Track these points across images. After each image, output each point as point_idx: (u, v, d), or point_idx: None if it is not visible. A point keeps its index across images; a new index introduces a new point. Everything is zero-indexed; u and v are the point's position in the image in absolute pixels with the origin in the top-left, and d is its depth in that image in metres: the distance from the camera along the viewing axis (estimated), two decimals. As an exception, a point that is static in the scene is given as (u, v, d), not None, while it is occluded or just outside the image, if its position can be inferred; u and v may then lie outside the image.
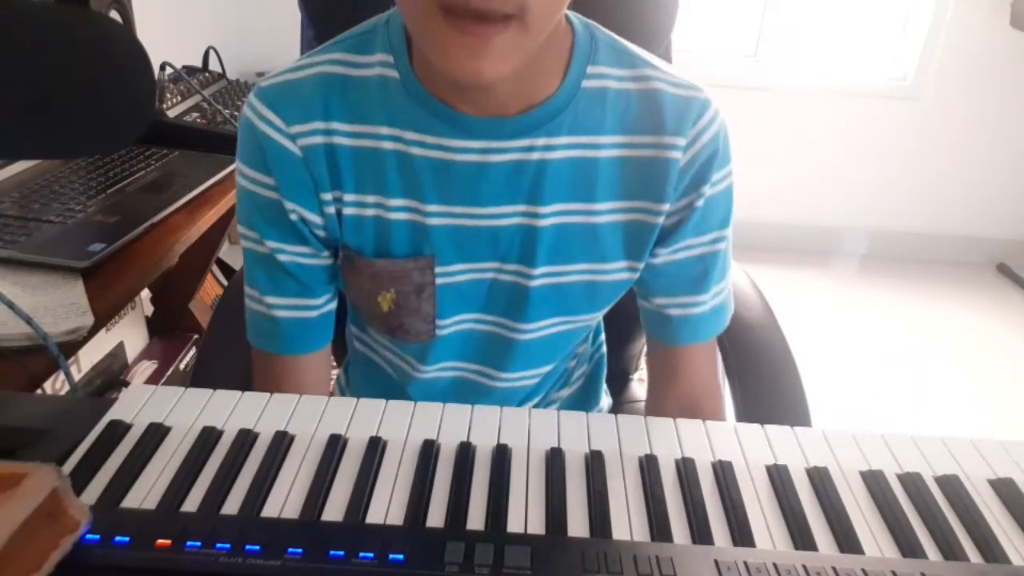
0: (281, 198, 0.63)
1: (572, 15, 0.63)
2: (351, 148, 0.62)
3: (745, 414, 0.79)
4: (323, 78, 0.62)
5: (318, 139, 0.62)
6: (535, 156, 0.62)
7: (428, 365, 0.75)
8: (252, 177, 0.64)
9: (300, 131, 0.61)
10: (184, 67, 1.50)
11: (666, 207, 0.65)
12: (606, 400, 0.94)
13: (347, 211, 0.64)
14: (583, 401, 0.89)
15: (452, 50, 0.50)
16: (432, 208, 0.64)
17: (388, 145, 0.62)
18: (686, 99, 0.64)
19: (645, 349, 1.03)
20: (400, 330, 0.70)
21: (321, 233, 0.66)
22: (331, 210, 0.64)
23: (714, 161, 0.65)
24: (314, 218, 0.64)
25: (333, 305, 0.72)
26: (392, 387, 0.81)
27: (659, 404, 0.76)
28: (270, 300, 0.68)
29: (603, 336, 0.93)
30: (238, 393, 0.62)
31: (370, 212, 0.64)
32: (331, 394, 0.73)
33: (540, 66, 0.60)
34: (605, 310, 0.75)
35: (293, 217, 0.64)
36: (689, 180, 0.65)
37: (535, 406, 0.82)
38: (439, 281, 0.67)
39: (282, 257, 0.66)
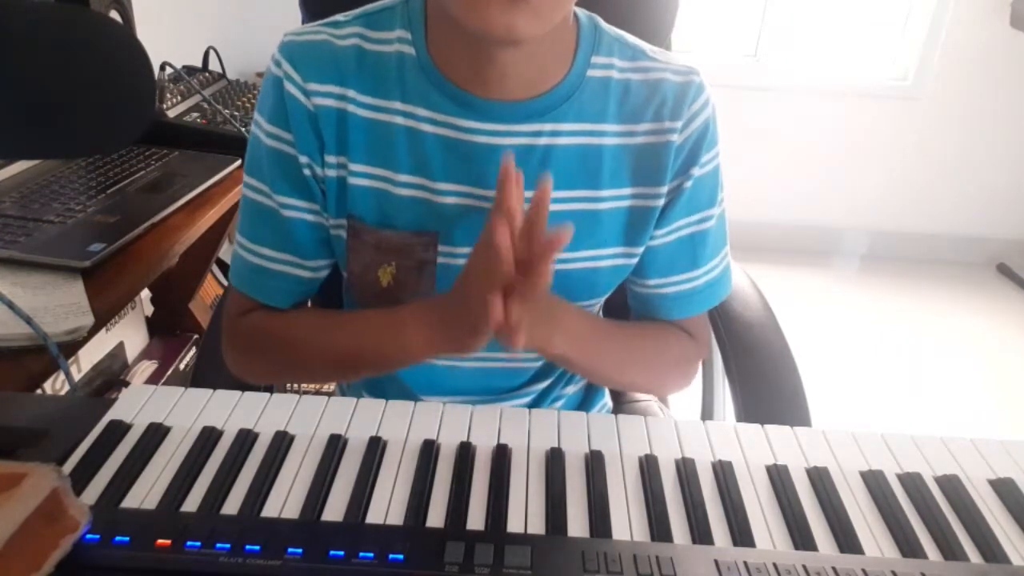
0: (297, 153, 0.65)
1: (578, 10, 0.66)
2: (364, 119, 0.64)
3: (745, 414, 0.79)
4: (348, 48, 0.64)
5: (331, 102, 0.64)
6: (542, 141, 0.65)
7: None
8: (271, 132, 0.66)
9: (315, 89, 0.63)
10: (184, 67, 1.50)
11: (664, 189, 0.68)
12: (607, 399, 0.94)
13: (353, 180, 0.66)
14: (588, 398, 0.89)
15: (485, 6, 0.52)
16: (442, 186, 0.65)
17: (400, 120, 0.64)
18: (684, 84, 0.67)
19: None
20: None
21: (323, 187, 0.68)
22: (333, 173, 0.66)
23: (703, 142, 0.67)
24: (321, 175, 0.67)
25: (323, 273, 0.73)
26: (392, 381, 0.81)
27: (652, 325, 0.78)
28: (265, 252, 0.69)
29: None
30: (238, 393, 0.62)
31: (376, 184, 0.66)
32: (332, 394, 0.73)
33: (549, 54, 0.63)
34: (603, 298, 0.76)
35: (307, 172, 0.66)
36: (682, 161, 0.68)
37: (542, 398, 0.83)
38: (440, 260, 0.68)
39: (288, 213, 0.67)
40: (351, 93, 0.64)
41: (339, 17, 0.66)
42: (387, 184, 0.66)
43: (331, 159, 0.65)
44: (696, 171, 0.68)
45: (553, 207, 0.66)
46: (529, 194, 0.66)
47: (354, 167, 0.66)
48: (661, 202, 0.68)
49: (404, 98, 0.64)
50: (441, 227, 0.67)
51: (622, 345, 0.74)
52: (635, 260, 0.73)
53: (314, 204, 0.67)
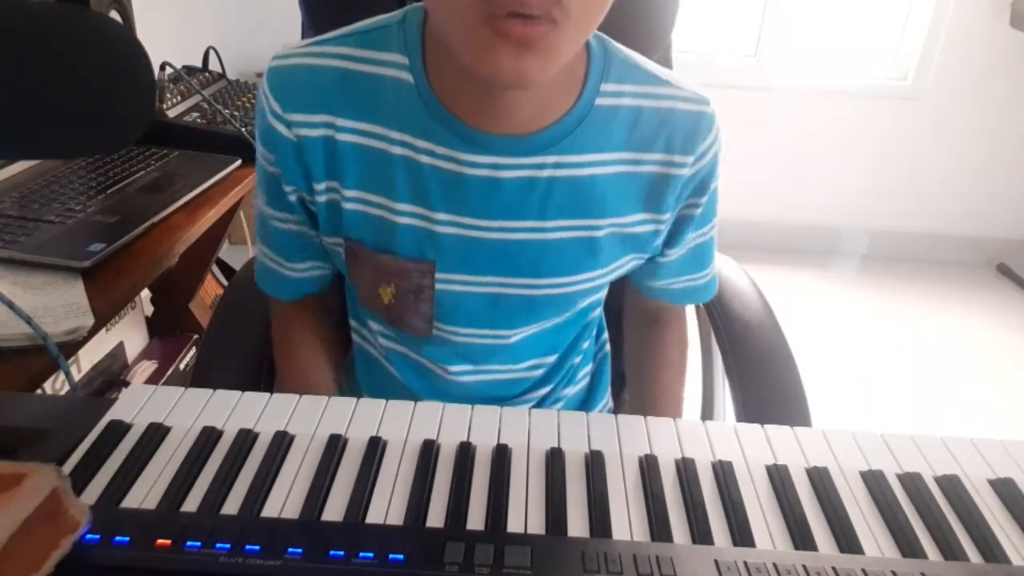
0: (282, 180, 0.66)
1: None
2: (357, 145, 0.63)
3: (745, 414, 0.79)
4: (333, 71, 0.62)
5: (318, 132, 0.62)
6: (545, 173, 0.63)
7: (427, 358, 0.75)
8: (262, 153, 0.67)
9: (297, 120, 0.62)
10: (184, 67, 1.50)
11: (667, 216, 0.68)
12: (608, 400, 0.94)
13: (348, 206, 0.65)
14: (589, 398, 0.89)
15: (495, 54, 0.49)
16: (441, 216, 0.64)
17: (397, 150, 0.62)
18: (696, 115, 0.65)
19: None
20: (400, 322, 0.72)
21: (313, 210, 0.68)
22: (323, 199, 0.65)
23: (714, 171, 0.69)
24: (310, 199, 0.67)
25: (313, 273, 0.75)
26: (393, 382, 0.81)
27: (650, 345, 0.85)
28: (265, 251, 0.74)
29: (607, 334, 0.94)
30: (238, 393, 0.62)
31: (375, 211, 0.65)
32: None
33: (557, 83, 0.60)
34: (599, 295, 0.80)
35: (292, 198, 0.67)
36: (692, 190, 0.68)
37: (543, 402, 0.83)
38: (439, 287, 0.67)
39: (278, 225, 0.70)
40: (339, 121, 0.62)
41: (329, 35, 0.64)
42: (385, 212, 0.64)
43: (320, 186, 0.64)
44: (706, 196, 0.69)
45: (553, 235, 0.66)
46: (527, 223, 0.65)
47: (348, 192, 0.64)
48: (664, 227, 0.69)
49: (401, 127, 0.62)
50: (439, 256, 0.66)
51: (678, 400, 0.84)
52: (639, 262, 0.74)
53: (298, 217, 0.69)
